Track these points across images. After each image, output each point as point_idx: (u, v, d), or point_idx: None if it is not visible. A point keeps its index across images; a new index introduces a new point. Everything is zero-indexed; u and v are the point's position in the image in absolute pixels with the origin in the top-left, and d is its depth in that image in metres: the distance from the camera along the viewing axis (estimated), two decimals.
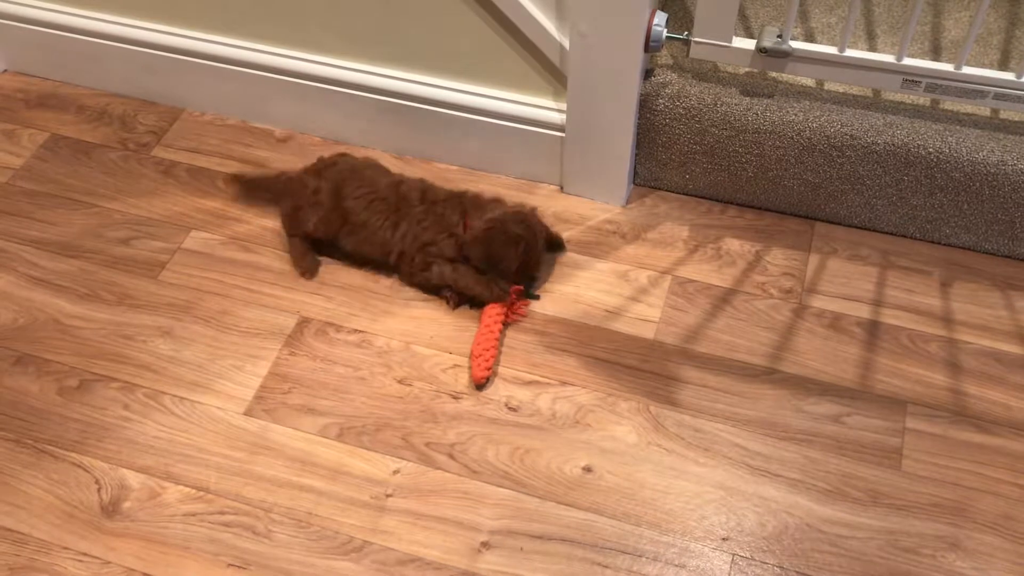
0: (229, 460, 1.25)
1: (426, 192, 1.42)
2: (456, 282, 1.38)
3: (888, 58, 1.33)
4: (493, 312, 1.36)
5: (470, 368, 1.32)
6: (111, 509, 1.20)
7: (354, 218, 1.41)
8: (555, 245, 1.47)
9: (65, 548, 1.17)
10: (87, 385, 1.32)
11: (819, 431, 1.27)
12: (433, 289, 1.41)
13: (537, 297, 1.42)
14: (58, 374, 1.34)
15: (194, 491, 1.22)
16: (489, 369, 1.31)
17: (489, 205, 1.41)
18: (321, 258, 1.47)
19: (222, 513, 1.20)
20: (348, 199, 1.41)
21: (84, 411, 1.30)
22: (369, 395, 1.31)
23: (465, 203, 1.41)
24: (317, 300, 1.42)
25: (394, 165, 1.60)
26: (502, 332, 1.36)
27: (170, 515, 1.20)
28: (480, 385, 1.31)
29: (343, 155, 1.49)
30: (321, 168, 1.46)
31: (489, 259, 1.35)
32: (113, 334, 1.38)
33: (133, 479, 1.23)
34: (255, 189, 1.52)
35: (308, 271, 1.44)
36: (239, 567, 1.15)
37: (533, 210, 1.43)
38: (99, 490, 1.22)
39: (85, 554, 1.16)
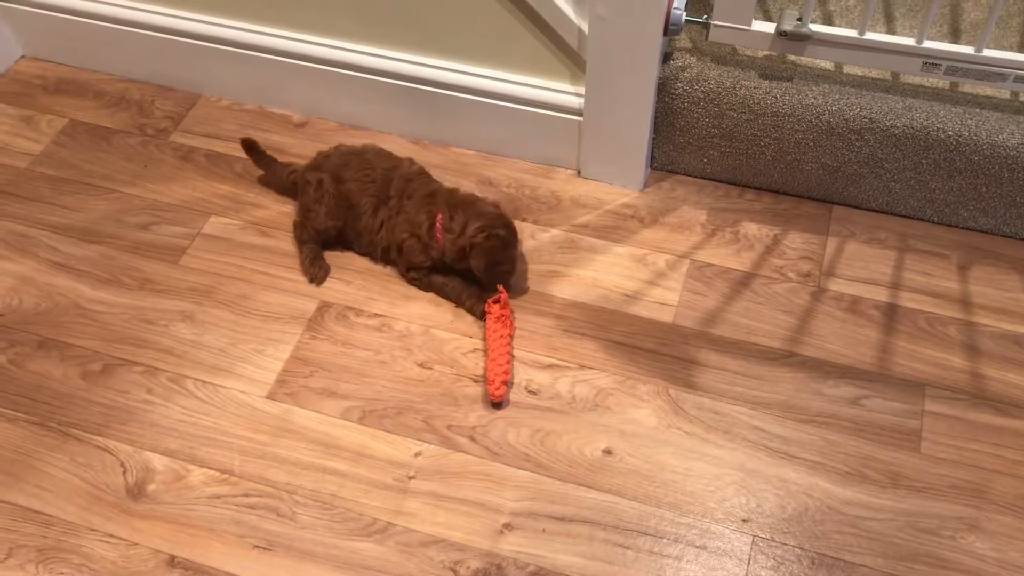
0: (253, 443, 1.26)
1: (409, 184, 1.41)
2: (446, 293, 1.39)
3: (908, 41, 1.33)
4: (498, 333, 1.32)
5: (486, 389, 1.29)
6: (137, 492, 1.22)
7: (354, 200, 1.41)
8: None
9: (92, 530, 1.18)
10: (110, 369, 1.34)
11: (838, 414, 1.28)
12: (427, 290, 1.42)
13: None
14: (81, 358, 1.35)
15: (219, 474, 1.23)
16: (505, 383, 1.29)
17: (465, 205, 1.37)
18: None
19: (247, 495, 1.21)
20: (348, 182, 1.41)
21: (107, 395, 1.31)
22: (390, 378, 1.32)
23: (436, 204, 1.38)
24: (337, 284, 1.43)
25: (411, 150, 1.61)
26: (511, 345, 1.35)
27: (195, 497, 1.21)
28: (498, 403, 1.29)
29: (339, 146, 1.48)
30: (320, 162, 1.45)
31: (492, 266, 1.34)
32: (135, 318, 1.39)
33: (158, 462, 1.24)
34: (264, 161, 1.52)
35: (317, 278, 1.42)
36: (264, 548, 1.17)
37: (498, 205, 1.40)
38: (124, 473, 1.23)
39: (112, 535, 1.18)
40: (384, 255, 1.43)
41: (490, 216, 1.35)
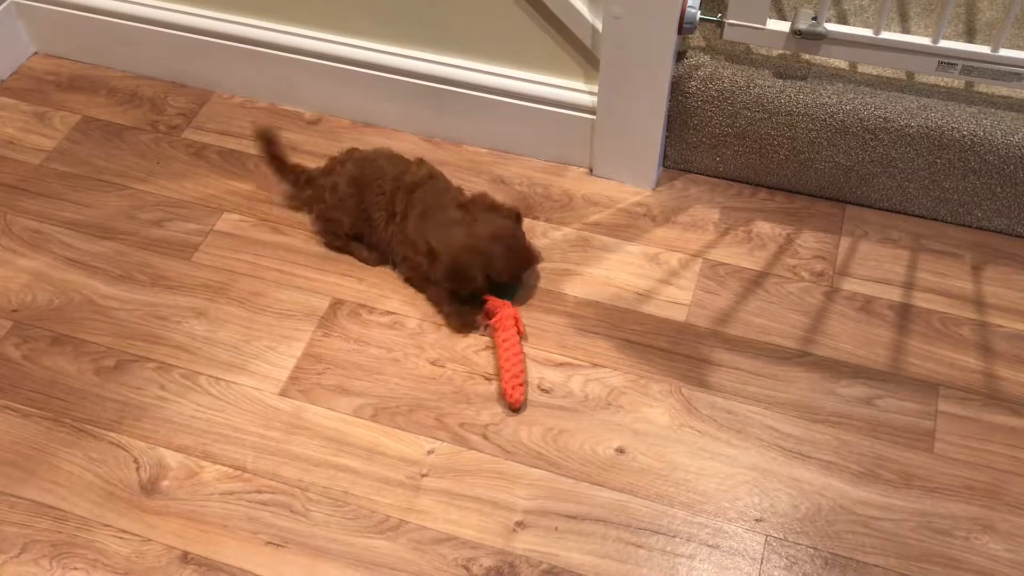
0: (265, 440, 1.26)
1: (411, 195, 1.38)
2: (432, 302, 1.39)
3: (924, 40, 1.32)
4: (507, 332, 1.31)
5: (503, 392, 1.28)
6: (150, 488, 1.22)
7: (371, 214, 1.40)
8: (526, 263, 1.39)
9: (106, 525, 1.19)
10: (123, 365, 1.34)
11: (852, 413, 1.28)
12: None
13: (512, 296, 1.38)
14: (94, 354, 1.35)
15: (232, 470, 1.23)
16: (523, 391, 1.28)
17: (441, 229, 1.33)
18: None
19: (260, 492, 1.21)
20: (365, 193, 1.40)
21: (121, 391, 1.31)
22: (403, 376, 1.32)
23: (426, 227, 1.34)
24: (349, 282, 1.43)
25: (423, 148, 1.61)
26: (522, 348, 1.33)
27: (208, 493, 1.21)
28: (517, 408, 1.28)
29: (352, 151, 1.46)
30: (333, 167, 1.43)
31: (457, 283, 1.33)
32: (148, 315, 1.39)
33: (171, 458, 1.24)
34: (275, 152, 1.48)
35: (374, 260, 1.44)
36: (277, 545, 1.17)
37: (499, 225, 1.34)
38: (138, 469, 1.24)
39: (125, 531, 1.18)
40: (393, 262, 1.43)
41: (448, 242, 1.31)
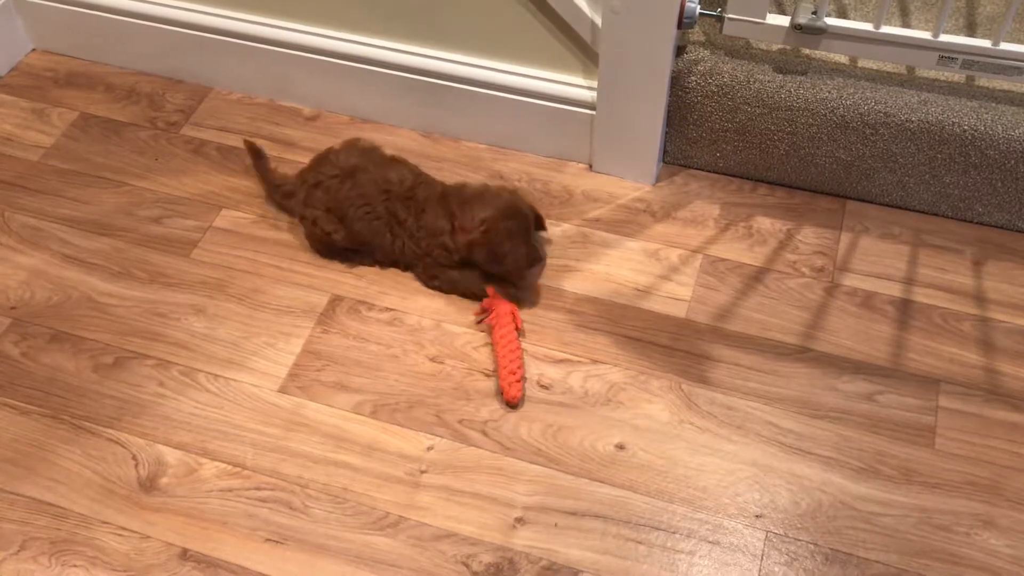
0: (264, 436, 1.26)
1: (411, 200, 1.37)
2: (461, 286, 1.38)
3: (924, 35, 1.32)
4: (504, 328, 1.31)
5: (500, 390, 1.28)
6: (149, 485, 1.22)
7: (367, 239, 1.40)
8: (538, 226, 1.42)
9: (105, 523, 1.18)
10: (122, 362, 1.34)
11: (852, 409, 1.27)
12: (450, 291, 1.40)
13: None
14: (93, 351, 1.35)
15: (231, 467, 1.23)
16: (521, 387, 1.28)
17: (474, 199, 1.34)
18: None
19: (259, 489, 1.21)
20: (354, 222, 1.38)
21: (120, 388, 1.31)
22: (402, 372, 1.32)
23: (450, 204, 1.35)
24: (348, 278, 1.42)
25: (422, 144, 1.60)
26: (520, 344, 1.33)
27: (207, 491, 1.21)
28: (515, 405, 1.28)
29: (324, 159, 1.42)
30: (309, 196, 1.40)
31: (495, 259, 1.33)
32: (147, 312, 1.39)
33: (170, 455, 1.24)
34: (261, 168, 1.51)
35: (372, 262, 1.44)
36: (276, 542, 1.16)
37: (516, 192, 1.38)
38: (136, 466, 1.23)
39: (124, 528, 1.18)
40: (407, 267, 1.42)
41: (495, 207, 1.33)
